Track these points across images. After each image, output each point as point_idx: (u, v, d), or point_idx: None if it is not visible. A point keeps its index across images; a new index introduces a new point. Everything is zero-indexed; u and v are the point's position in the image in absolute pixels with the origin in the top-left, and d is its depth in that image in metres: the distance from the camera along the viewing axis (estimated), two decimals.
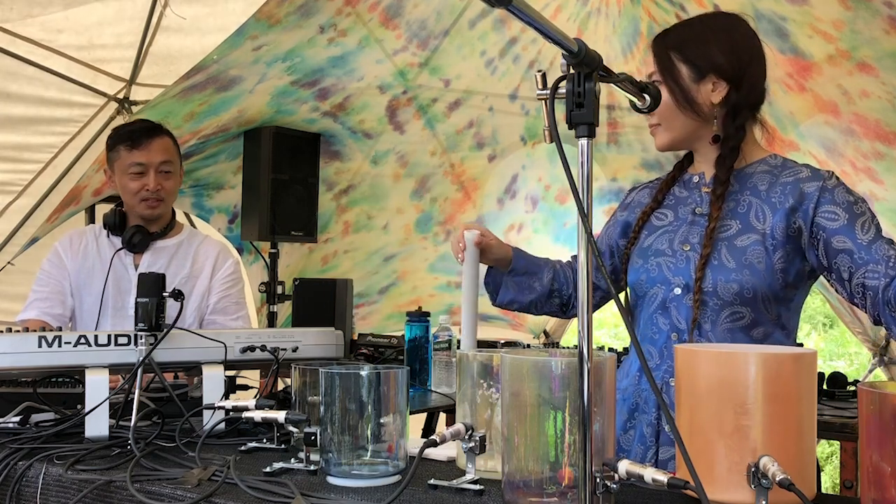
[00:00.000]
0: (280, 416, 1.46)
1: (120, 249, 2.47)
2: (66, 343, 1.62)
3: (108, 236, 2.52)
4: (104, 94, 3.81)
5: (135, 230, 2.47)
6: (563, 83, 1.06)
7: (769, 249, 1.55)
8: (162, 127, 2.55)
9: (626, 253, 1.74)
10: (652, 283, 1.65)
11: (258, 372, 2.65)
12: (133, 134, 2.47)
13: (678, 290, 1.61)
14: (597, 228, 1.75)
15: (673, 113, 1.63)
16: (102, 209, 2.86)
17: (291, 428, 1.44)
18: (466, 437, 1.26)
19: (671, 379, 1.60)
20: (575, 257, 1.87)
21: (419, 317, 2.78)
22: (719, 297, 1.56)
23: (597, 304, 1.89)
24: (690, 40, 1.63)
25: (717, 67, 1.61)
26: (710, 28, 1.66)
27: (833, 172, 1.60)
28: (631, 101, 1.30)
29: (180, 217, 2.78)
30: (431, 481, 1.26)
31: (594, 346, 1.05)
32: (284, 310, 3.97)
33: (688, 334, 1.60)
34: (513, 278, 1.77)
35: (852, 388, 2.76)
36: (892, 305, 1.42)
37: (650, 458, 1.61)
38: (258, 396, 1.68)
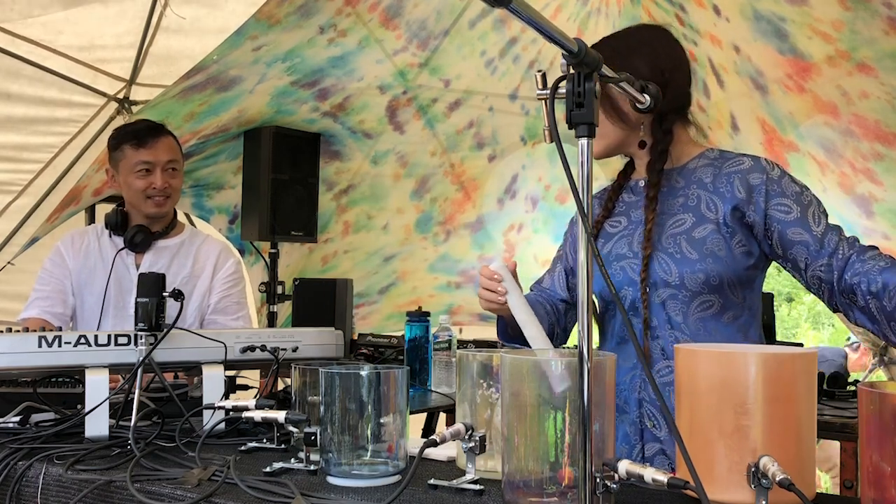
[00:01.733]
0: (280, 416, 1.46)
1: (122, 249, 2.48)
2: (66, 343, 1.62)
3: (110, 236, 2.53)
4: (104, 94, 3.81)
5: (136, 230, 2.47)
6: (563, 83, 1.06)
7: (726, 237, 1.60)
8: (165, 127, 2.56)
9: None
10: (619, 287, 1.68)
11: (258, 372, 2.65)
12: (139, 133, 2.48)
13: (646, 289, 1.65)
14: None
15: (602, 123, 1.67)
16: (102, 209, 2.87)
17: (291, 428, 1.44)
18: (466, 437, 1.26)
19: None
20: (538, 282, 1.91)
21: (419, 317, 2.78)
22: (688, 289, 1.60)
23: (572, 321, 1.90)
24: (615, 53, 1.67)
25: (641, 77, 1.64)
26: (634, 41, 1.72)
27: (774, 162, 1.64)
28: (631, 101, 1.30)
29: (181, 217, 2.78)
30: (431, 481, 1.26)
31: (594, 346, 1.05)
32: (284, 310, 3.97)
33: (660, 330, 1.63)
34: None
35: (852, 388, 2.76)
36: (845, 294, 1.50)
37: (636, 456, 1.64)
38: (258, 396, 1.68)
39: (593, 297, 1.76)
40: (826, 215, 1.58)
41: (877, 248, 1.52)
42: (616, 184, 1.82)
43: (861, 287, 1.46)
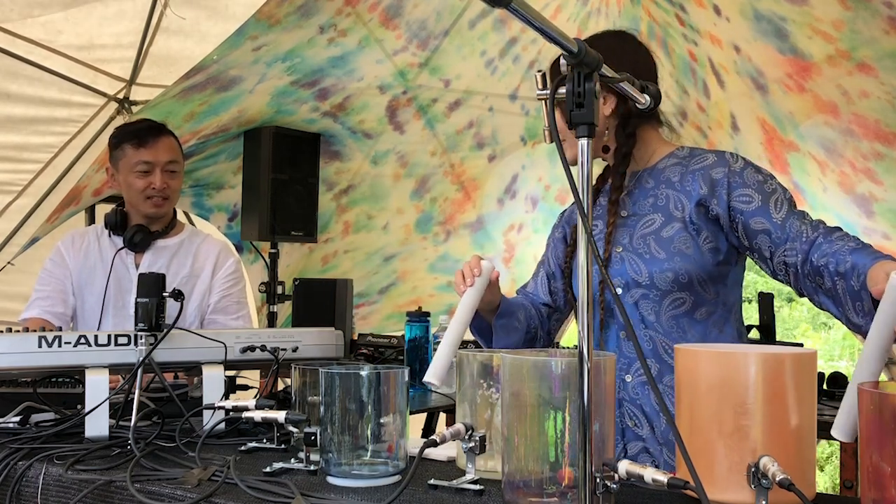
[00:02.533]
0: (280, 416, 1.46)
1: (121, 249, 2.48)
2: (66, 343, 1.62)
3: (110, 236, 2.53)
4: (104, 94, 3.81)
5: (136, 229, 2.47)
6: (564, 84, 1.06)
7: (693, 234, 1.61)
8: (166, 127, 2.56)
9: (566, 267, 1.82)
10: (595, 289, 1.68)
11: (258, 372, 2.65)
12: (140, 132, 2.48)
13: (619, 290, 1.67)
14: None
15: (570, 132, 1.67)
16: (102, 209, 2.87)
17: (291, 428, 1.44)
18: (466, 437, 1.26)
19: (627, 375, 1.66)
20: (523, 287, 1.93)
21: (419, 317, 2.78)
22: (658, 288, 1.62)
23: (557, 324, 1.91)
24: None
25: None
26: (596, 48, 1.71)
27: (738, 154, 1.66)
28: (631, 101, 1.31)
29: (181, 217, 2.78)
30: (431, 481, 1.26)
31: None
32: (284, 310, 3.97)
33: (633, 329, 1.62)
34: (499, 321, 1.77)
35: None
36: (811, 277, 1.49)
37: (619, 455, 1.64)
38: (258, 396, 1.68)
39: (573, 297, 1.77)
40: (790, 203, 1.58)
41: (841, 229, 1.51)
42: (594, 188, 1.83)
43: (829, 268, 1.44)
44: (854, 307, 1.41)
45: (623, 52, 1.69)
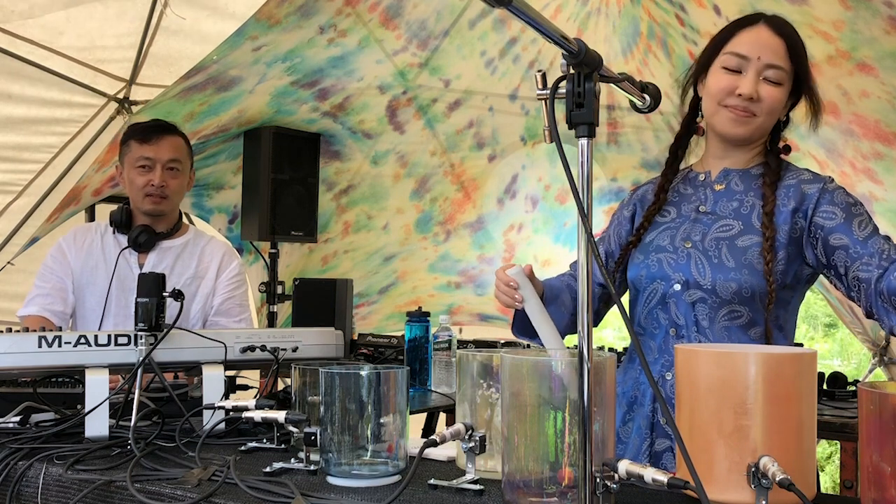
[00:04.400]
0: (280, 416, 1.46)
1: (125, 248, 2.48)
2: (66, 343, 1.62)
3: (114, 234, 2.52)
4: (104, 95, 3.81)
5: (141, 229, 2.47)
6: (563, 83, 1.06)
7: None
8: (176, 128, 2.58)
9: (626, 249, 1.75)
10: (651, 279, 1.66)
11: (258, 372, 2.65)
12: (145, 130, 2.51)
13: (677, 287, 1.62)
14: (596, 228, 1.75)
15: (777, 111, 1.63)
16: (102, 209, 2.87)
17: (291, 428, 1.44)
18: (466, 437, 1.26)
19: (668, 373, 1.62)
20: (573, 265, 1.88)
21: (419, 317, 2.78)
22: (718, 296, 1.57)
23: (605, 307, 1.87)
24: (806, 61, 1.64)
25: (810, 91, 1.65)
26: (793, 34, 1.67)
27: (833, 178, 1.63)
28: (631, 101, 1.30)
29: (185, 218, 2.79)
30: (431, 481, 1.26)
31: (594, 346, 1.05)
32: (284, 310, 3.97)
33: (685, 329, 1.61)
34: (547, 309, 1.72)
35: (852, 388, 2.76)
36: (885, 296, 1.44)
37: (646, 450, 1.63)
38: (258, 396, 1.68)
39: (625, 281, 1.74)
40: (876, 227, 1.54)
41: None
42: (665, 178, 1.77)
43: None
44: None
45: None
